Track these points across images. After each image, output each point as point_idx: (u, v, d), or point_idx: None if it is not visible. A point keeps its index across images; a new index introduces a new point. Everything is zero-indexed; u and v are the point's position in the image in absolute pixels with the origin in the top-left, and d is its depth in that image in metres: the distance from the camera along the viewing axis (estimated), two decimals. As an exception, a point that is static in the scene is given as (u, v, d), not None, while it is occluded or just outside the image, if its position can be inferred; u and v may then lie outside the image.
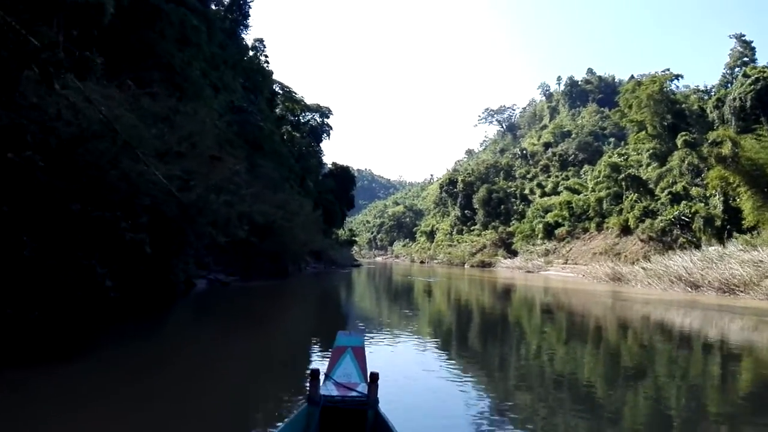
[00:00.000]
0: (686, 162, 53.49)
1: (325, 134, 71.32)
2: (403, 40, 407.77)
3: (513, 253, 68.64)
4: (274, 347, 9.06)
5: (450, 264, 77.62)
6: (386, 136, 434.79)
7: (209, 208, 12.83)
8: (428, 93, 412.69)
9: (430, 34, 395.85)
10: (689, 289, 24.45)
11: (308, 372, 3.74)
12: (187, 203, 11.61)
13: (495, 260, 69.35)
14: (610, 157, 62.16)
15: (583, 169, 79.49)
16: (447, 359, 8.86)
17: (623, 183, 54.18)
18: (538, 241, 64.51)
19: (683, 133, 54.71)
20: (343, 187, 67.80)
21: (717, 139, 38.32)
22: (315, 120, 70.49)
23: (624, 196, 54.88)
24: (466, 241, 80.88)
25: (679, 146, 54.13)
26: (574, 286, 32.13)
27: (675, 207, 47.44)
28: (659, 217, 47.77)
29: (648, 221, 47.76)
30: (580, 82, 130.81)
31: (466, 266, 72.75)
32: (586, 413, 5.88)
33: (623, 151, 66.40)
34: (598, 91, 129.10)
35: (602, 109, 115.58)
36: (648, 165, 57.93)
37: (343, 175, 68.68)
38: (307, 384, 3.68)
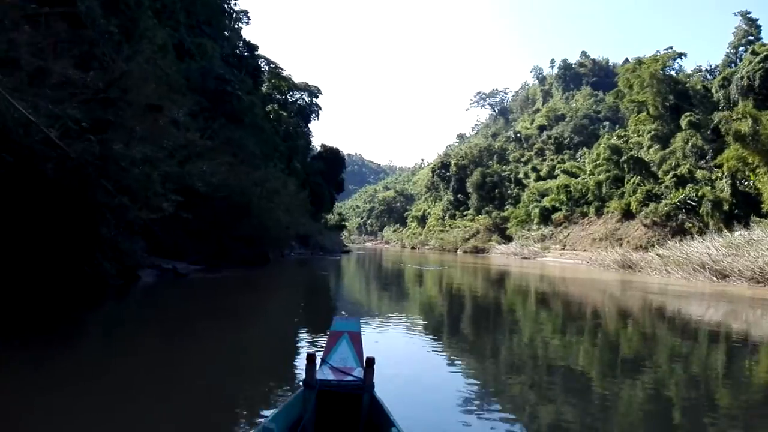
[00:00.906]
0: (690, 144, 50.94)
1: (313, 114, 68.01)
2: (393, 22, 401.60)
3: (507, 239, 66.15)
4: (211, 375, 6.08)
5: (442, 250, 75.10)
6: (376, 121, 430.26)
7: (116, 166, 9.25)
8: (419, 76, 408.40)
9: (421, 16, 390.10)
10: (715, 279, 21.90)
11: (305, 356, 3.62)
12: (85, 159, 8.38)
13: (489, 246, 66.82)
14: (609, 139, 59.32)
15: (580, 153, 76.91)
16: (448, 353, 8.05)
17: (625, 165, 51.57)
18: (534, 227, 62.00)
19: (687, 113, 52.13)
20: (333, 170, 64.82)
21: (734, 116, 35.43)
22: (303, 99, 67.13)
23: (625, 180, 52.33)
24: (458, 227, 78.27)
25: (683, 127, 51.58)
26: (577, 274, 29.55)
27: (680, 190, 44.98)
28: (663, 201, 45.27)
29: (652, 205, 45.24)
30: (573, 65, 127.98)
31: (458, 252, 70.25)
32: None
33: (622, 133, 63.71)
34: (592, 75, 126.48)
35: (596, 92, 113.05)
36: (649, 147, 55.32)
37: (332, 157, 65.63)
38: (302, 371, 3.65)
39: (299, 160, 55.65)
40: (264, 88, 59.29)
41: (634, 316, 13.04)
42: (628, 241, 45.54)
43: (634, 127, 61.32)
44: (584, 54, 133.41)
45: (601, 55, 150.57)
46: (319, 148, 67.89)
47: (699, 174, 46.78)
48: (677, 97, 56.89)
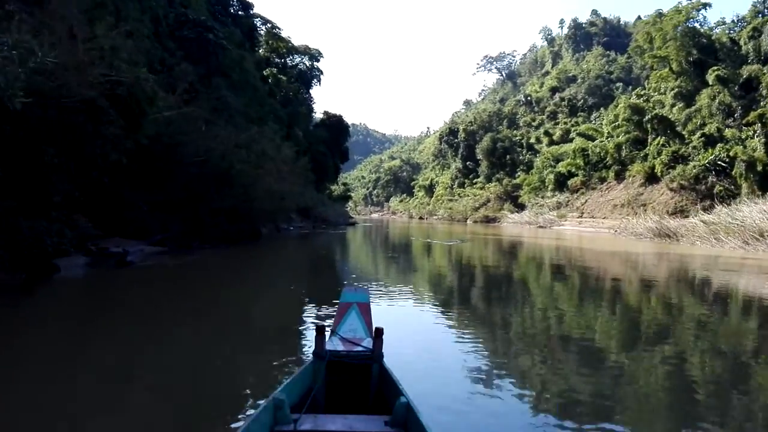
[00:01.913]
0: (717, 101, 47.13)
1: (315, 80, 64.24)
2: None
3: (520, 207, 62.91)
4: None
5: (451, 220, 71.98)
6: (381, 89, 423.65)
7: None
8: (424, 41, 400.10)
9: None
10: (779, 249, 18.75)
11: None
12: None
13: (501, 215, 63.61)
14: (629, 98, 55.32)
15: (595, 114, 73.05)
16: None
17: (648, 126, 47.86)
18: (548, 194, 58.62)
19: (714, 68, 48.17)
20: (336, 138, 61.32)
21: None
22: (304, 64, 63.36)
23: (648, 141, 48.72)
24: (468, 195, 74.91)
25: (711, 83, 47.66)
26: (608, 245, 26.41)
27: (709, 151, 41.41)
28: (691, 163, 41.77)
29: (679, 168, 41.74)
30: (584, 25, 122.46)
31: (468, 222, 67.14)
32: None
33: (641, 92, 59.67)
34: (603, 34, 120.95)
35: (608, 52, 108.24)
36: (672, 106, 51.40)
37: (336, 124, 62.00)
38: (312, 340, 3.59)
39: (301, 128, 52.30)
40: (261, 52, 55.64)
41: (713, 308, 9.83)
42: (653, 207, 42.22)
43: (655, 84, 57.31)
44: (595, 13, 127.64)
45: (613, 13, 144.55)
46: (321, 116, 64.23)
47: (728, 133, 43.11)
48: (702, 51, 52.76)
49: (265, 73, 50.67)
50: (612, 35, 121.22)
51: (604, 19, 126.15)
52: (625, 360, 5.95)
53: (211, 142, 14.71)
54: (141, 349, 5.64)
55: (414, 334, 6.77)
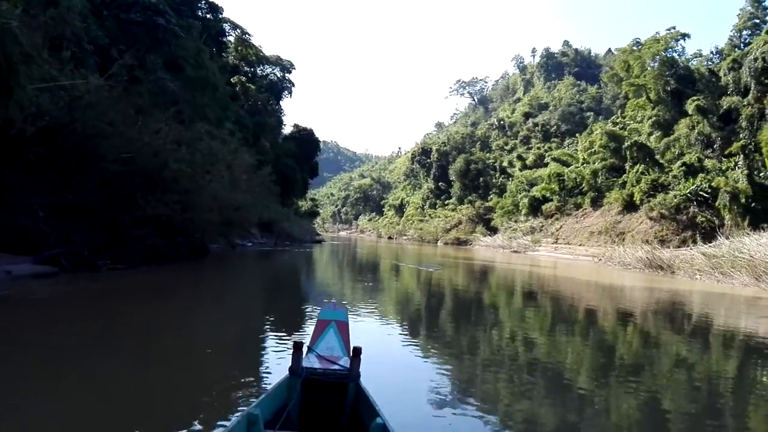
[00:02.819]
0: (696, 131, 45.91)
1: (286, 92, 61.22)
2: (370, 5, 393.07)
3: (492, 230, 60.62)
4: None
5: (421, 241, 69.29)
6: (353, 107, 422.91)
7: None
8: (397, 62, 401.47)
9: (399, 1, 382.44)
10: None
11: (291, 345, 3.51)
12: None
13: (473, 238, 61.18)
14: (606, 125, 53.81)
15: (567, 141, 71.78)
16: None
17: (627, 153, 46.20)
18: (522, 218, 56.45)
19: (695, 97, 46.99)
20: (306, 152, 58.38)
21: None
22: (275, 75, 60.40)
23: (626, 169, 47.05)
24: (439, 216, 72.42)
25: (690, 113, 46.40)
26: (589, 275, 23.95)
27: (690, 180, 39.73)
28: (671, 192, 40.00)
29: (660, 196, 39.89)
30: (556, 54, 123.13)
31: (439, 243, 64.52)
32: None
33: (617, 120, 58.46)
34: (574, 65, 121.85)
35: (579, 82, 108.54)
36: (650, 135, 50.08)
37: (306, 138, 59.11)
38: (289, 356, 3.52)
39: (268, 139, 49.18)
40: (231, 59, 52.50)
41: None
42: (632, 236, 40.24)
43: (632, 112, 56.20)
44: (566, 43, 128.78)
45: (584, 45, 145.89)
46: (291, 128, 61.17)
47: (709, 164, 41.65)
48: (679, 81, 51.73)
49: (233, 80, 47.56)
50: (583, 66, 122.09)
51: (576, 50, 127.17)
52: None
53: (143, 135, 11.56)
54: None
55: (388, 358, 6.44)
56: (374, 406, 3.12)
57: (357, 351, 3.46)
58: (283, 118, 61.24)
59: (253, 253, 22.99)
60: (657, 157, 45.66)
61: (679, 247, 33.70)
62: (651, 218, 40.25)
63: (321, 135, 65.08)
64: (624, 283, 20.27)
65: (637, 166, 44.74)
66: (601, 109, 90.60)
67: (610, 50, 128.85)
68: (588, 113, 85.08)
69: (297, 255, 25.96)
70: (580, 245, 44.34)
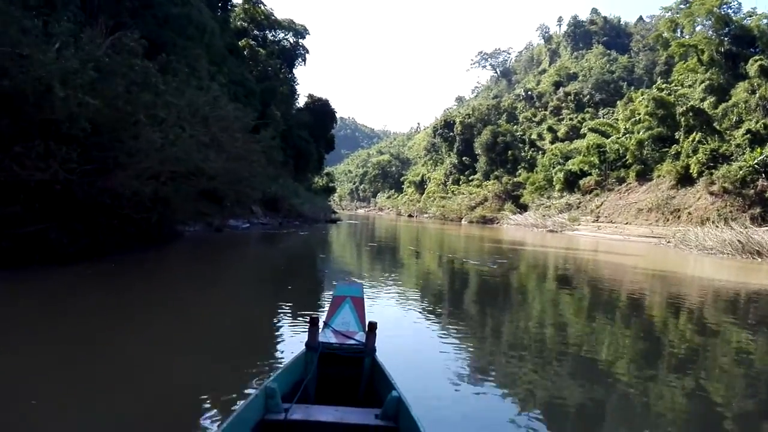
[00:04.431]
0: (757, 95, 40.23)
1: (299, 59, 56.31)
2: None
3: (521, 208, 55.60)
4: None
5: (443, 219, 64.46)
6: (370, 83, 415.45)
7: None
8: (416, 36, 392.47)
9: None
10: None
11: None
12: None
13: (500, 216, 56.17)
14: (660, 90, 47.92)
15: (602, 111, 66.05)
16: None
17: (681, 120, 40.67)
18: (556, 194, 51.29)
19: (756, 57, 41.28)
20: (321, 125, 53.52)
21: None
22: (287, 41, 55.43)
23: (678, 138, 41.61)
24: (463, 193, 67.33)
25: (752, 74, 40.78)
26: (663, 264, 19.09)
27: (757, 150, 34.29)
28: (735, 164, 34.58)
29: (723, 168, 34.50)
30: (584, 23, 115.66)
31: (463, 222, 59.68)
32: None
33: (662, 86, 52.57)
34: (603, 33, 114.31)
35: (608, 51, 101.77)
36: (702, 100, 44.37)
37: (321, 109, 54.17)
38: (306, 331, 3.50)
39: (280, 109, 44.41)
40: (238, 22, 47.70)
41: None
42: (689, 213, 35.09)
43: (680, 77, 50.38)
44: (595, 11, 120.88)
45: (613, 13, 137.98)
46: (306, 99, 56.28)
47: (776, 130, 36.15)
48: (735, 41, 45.97)
49: (240, 43, 42.81)
50: (612, 35, 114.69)
51: (605, 18, 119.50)
52: None
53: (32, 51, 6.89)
54: None
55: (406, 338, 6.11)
56: (389, 380, 3.12)
57: (372, 326, 3.41)
58: (296, 87, 56.41)
59: (242, 238, 17.84)
60: (715, 124, 40.09)
61: (750, 225, 28.69)
62: (712, 193, 34.92)
63: (338, 111, 60.24)
64: (725, 278, 15.37)
65: (693, 134, 39.24)
66: (633, 79, 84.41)
67: (641, 18, 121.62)
68: (621, 83, 79.11)
69: (300, 240, 20.85)
70: (626, 224, 39.23)
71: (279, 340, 5.97)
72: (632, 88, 69.03)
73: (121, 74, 8.12)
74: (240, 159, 15.11)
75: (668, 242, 25.61)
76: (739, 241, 19.46)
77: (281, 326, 6.69)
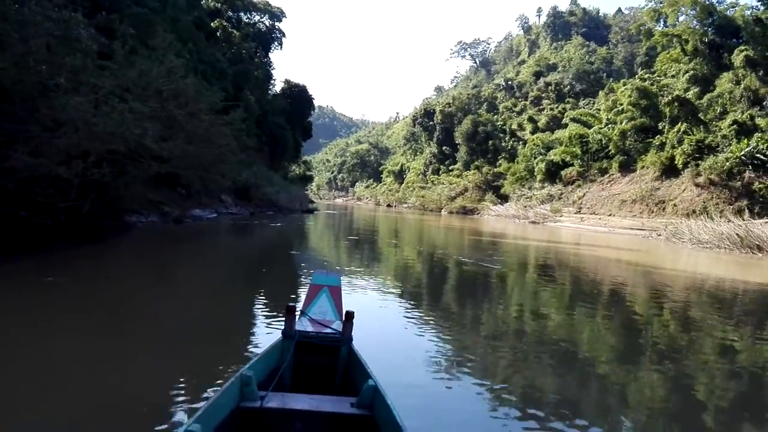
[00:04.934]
0: (742, 86, 39.54)
1: (275, 42, 54.23)
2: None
3: (502, 198, 54.52)
4: None
5: (423, 209, 63.08)
6: (348, 72, 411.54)
7: None
8: (395, 25, 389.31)
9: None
10: None
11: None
12: None
13: (481, 206, 55.01)
14: (642, 80, 46.88)
15: (583, 102, 65.21)
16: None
17: (666, 109, 39.84)
18: (537, 185, 50.25)
19: (742, 48, 40.52)
20: (298, 111, 51.64)
21: None
22: (263, 24, 53.24)
23: (662, 129, 40.77)
24: (443, 183, 66.02)
25: (736, 65, 40.04)
26: (662, 260, 17.95)
27: (744, 141, 33.49)
28: (721, 155, 33.77)
29: (709, 159, 33.68)
30: (563, 13, 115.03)
31: (443, 212, 58.40)
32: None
33: (644, 76, 51.72)
34: (582, 24, 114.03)
35: (587, 42, 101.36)
36: (686, 90, 43.57)
37: (298, 95, 52.26)
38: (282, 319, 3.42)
39: (255, 94, 42.38)
40: (212, 3, 45.42)
41: None
42: (674, 205, 34.22)
43: (664, 67, 49.51)
44: (574, 2, 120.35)
45: (592, 4, 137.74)
46: (282, 84, 54.23)
47: (762, 122, 35.42)
48: (718, 32, 45.24)
49: (213, 24, 40.63)
50: (591, 26, 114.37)
51: (584, 9, 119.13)
52: None
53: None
54: None
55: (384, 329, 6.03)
56: (366, 368, 3.10)
57: (349, 315, 3.39)
58: (272, 72, 54.30)
59: (204, 229, 15.72)
60: (700, 115, 39.29)
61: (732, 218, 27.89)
62: (697, 185, 34.08)
63: (316, 100, 58.09)
64: (730, 275, 14.19)
65: (678, 125, 38.36)
66: (611, 70, 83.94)
67: (620, 10, 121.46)
68: (600, 74, 78.50)
69: (269, 233, 18.86)
70: (609, 215, 38.33)
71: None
72: (611, 79, 68.40)
73: (34, 24, 6.40)
74: (205, 142, 13.38)
75: (659, 235, 24.54)
76: (737, 234, 18.37)
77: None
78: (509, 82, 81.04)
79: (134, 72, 8.92)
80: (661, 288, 11.05)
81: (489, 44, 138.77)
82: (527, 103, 71.40)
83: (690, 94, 42.34)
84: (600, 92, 59.40)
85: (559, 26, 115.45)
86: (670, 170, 37.09)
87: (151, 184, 10.59)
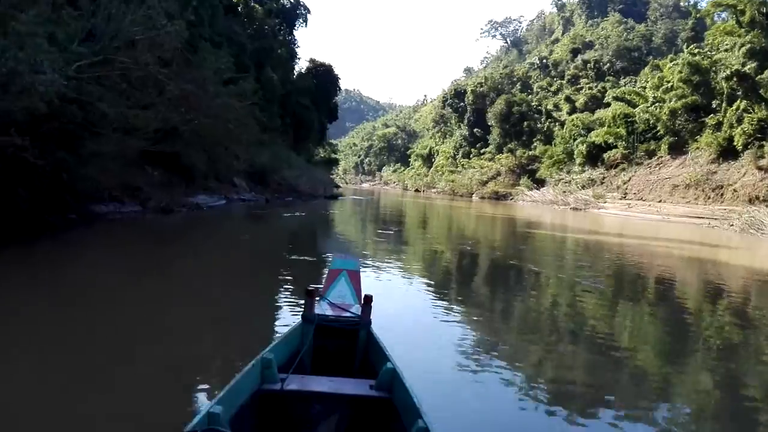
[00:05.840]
0: (808, 59, 35.79)
1: (300, 19, 51.67)
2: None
3: (537, 183, 51.51)
4: None
5: (453, 194, 60.39)
6: (375, 54, 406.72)
7: None
8: (423, 4, 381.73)
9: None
10: None
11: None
12: None
13: (515, 191, 52.13)
14: (692, 55, 43.09)
15: (624, 80, 61.23)
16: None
17: (724, 85, 36.29)
18: (577, 168, 47.12)
19: (808, 16, 36.67)
20: (324, 92, 49.18)
21: None
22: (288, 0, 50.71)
23: (716, 107, 37.26)
24: (474, 167, 63.12)
25: (803, 36, 36.25)
26: None
27: (814, 120, 30.07)
28: (788, 135, 30.40)
29: (775, 139, 30.34)
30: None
31: (474, 198, 55.66)
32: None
33: (694, 51, 47.76)
34: (620, 1, 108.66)
35: (625, 20, 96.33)
36: (743, 65, 39.76)
37: (323, 75, 49.73)
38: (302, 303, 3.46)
39: (278, 73, 40.12)
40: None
41: None
42: (734, 190, 31.01)
43: (716, 41, 45.54)
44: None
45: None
46: (307, 63, 51.74)
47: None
48: (778, 1, 41.19)
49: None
50: (628, 3, 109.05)
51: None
52: None
53: None
54: None
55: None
56: (384, 352, 3.11)
57: (368, 299, 3.41)
58: (297, 50, 51.83)
59: (187, 226, 12.77)
60: (761, 91, 35.65)
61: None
62: (760, 168, 30.79)
63: (343, 82, 55.62)
64: None
65: (737, 102, 34.86)
66: (651, 48, 79.41)
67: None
68: (642, 51, 74.16)
69: (282, 224, 15.67)
70: (659, 201, 35.22)
71: None
72: (650, 57, 64.23)
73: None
74: (209, 116, 11.12)
75: (730, 225, 21.57)
76: None
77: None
78: (544, 61, 77.23)
79: (101, 18, 6.68)
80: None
81: (521, 23, 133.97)
82: (563, 82, 67.66)
83: (748, 69, 38.61)
84: (643, 70, 55.50)
85: (595, 3, 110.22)
86: (728, 152, 33.76)
87: (137, 165, 8.42)
